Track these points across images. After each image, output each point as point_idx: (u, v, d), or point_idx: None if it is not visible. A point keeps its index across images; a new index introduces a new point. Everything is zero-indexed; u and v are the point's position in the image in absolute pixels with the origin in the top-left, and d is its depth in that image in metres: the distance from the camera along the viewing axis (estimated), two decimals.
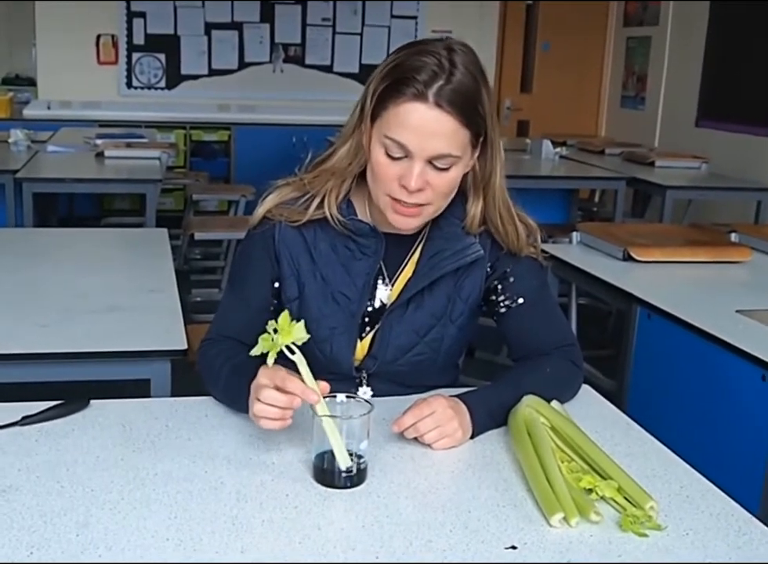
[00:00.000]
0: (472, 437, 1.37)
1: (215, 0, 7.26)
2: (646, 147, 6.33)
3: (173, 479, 1.21)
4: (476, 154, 1.44)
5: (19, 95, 7.34)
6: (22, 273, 2.34)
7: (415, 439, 1.33)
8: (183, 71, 7.39)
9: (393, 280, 1.55)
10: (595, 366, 2.86)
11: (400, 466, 1.28)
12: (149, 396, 1.75)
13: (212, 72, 7.44)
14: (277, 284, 1.55)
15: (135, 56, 7.29)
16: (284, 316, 1.22)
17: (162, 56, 7.34)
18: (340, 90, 7.16)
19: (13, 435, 1.33)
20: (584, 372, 1.59)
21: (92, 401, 1.45)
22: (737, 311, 2.22)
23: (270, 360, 1.21)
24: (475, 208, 1.50)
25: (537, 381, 1.47)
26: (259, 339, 1.21)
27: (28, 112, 6.86)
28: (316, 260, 1.52)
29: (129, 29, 7.22)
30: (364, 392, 1.55)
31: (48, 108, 6.90)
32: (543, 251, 1.60)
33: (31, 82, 7.52)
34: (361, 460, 1.22)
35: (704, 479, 1.28)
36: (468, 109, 1.36)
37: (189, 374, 1.78)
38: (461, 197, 1.50)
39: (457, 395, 1.39)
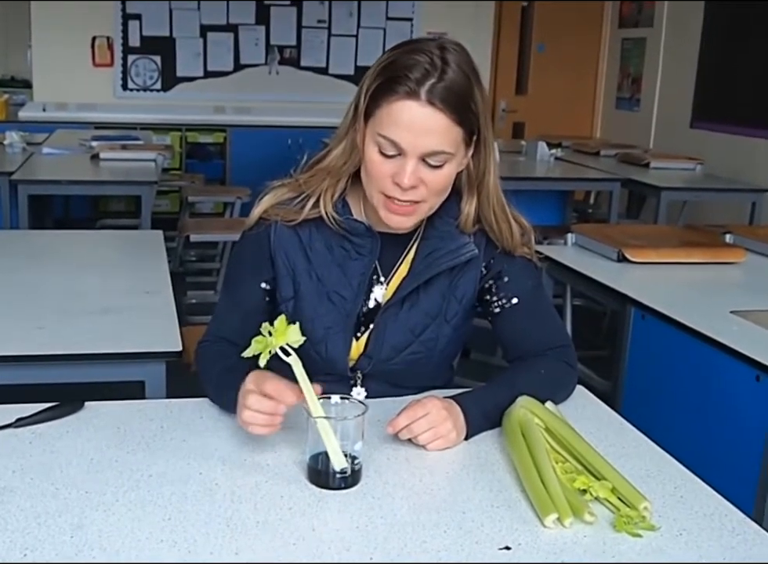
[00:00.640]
0: (466, 438, 1.37)
1: (211, 1, 7.26)
2: (641, 149, 6.34)
3: (168, 481, 1.21)
4: (470, 153, 1.45)
5: (15, 97, 7.34)
6: (17, 275, 2.34)
7: (410, 440, 1.33)
8: (179, 73, 7.39)
9: (387, 279, 1.55)
10: (590, 367, 2.86)
11: (394, 467, 1.28)
12: (144, 398, 1.75)
13: (208, 74, 7.44)
14: (267, 286, 1.55)
15: (130, 57, 7.28)
16: (281, 318, 1.23)
17: (158, 58, 7.33)
18: (335, 92, 7.15)
19: (7, 437, 1.33)
20: (578, 373, 1.60)
21: (86, 403, 1.44)
22: (731, 312, 2.23)
23: (262, 362, 1.22)
24: (469, 207, 1.51)
25: (532, 381, 1.47)
26: (252, 341, 1.22)
27: (23, 114, 6.86)
28: (311, 260, 1.52)
29: (125, 31, 7.22)
30: (358, 392, 1.55)
31: (44, 110, 6.90)
32: (538, 252, 1.60)
33: (27, 84, 7.51)
34: (356, 462, 1.22)
35: (697, 480, 1.28)
36: (460, 106, 1.36)
37: (184, 376, 1.79)
38: (455, 195, 1.51)
39: (451, 397, 1.39)
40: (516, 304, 1.55)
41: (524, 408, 1.35)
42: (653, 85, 6.98)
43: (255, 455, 1.30)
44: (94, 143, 5.08)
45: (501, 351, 1.66)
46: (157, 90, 7.38)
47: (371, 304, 1.54)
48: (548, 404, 1.39)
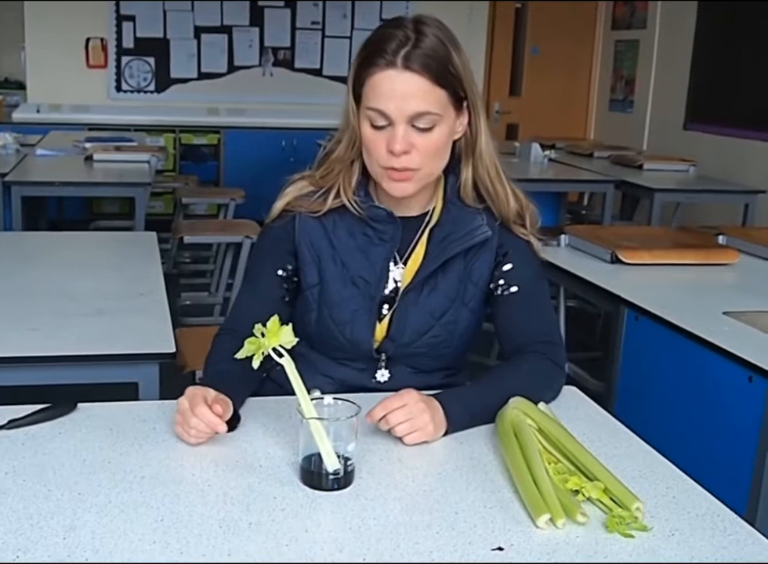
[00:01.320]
0: (446, 434, 1.38)
1: (205, 2, 7.26)
2: (635, 150, 6.36)
3: (160, 482, 1.21)
4: (465, 119, 1.51)
5: (9, 98, 7.34)
6: (11, 277, 2.34)
7: (400, 439, 1.33)
8: (173, 75, 7.39)
9: (404, 259, 1.59)
10: (584, 368, 2.87)
11: (387, 468, 1.28)
12: (137, 400, 1.75)
13: (202, 75, 7.44)
14: (284, 273, 1.60)
15: (124, 59, 7.28)
16: (274, 319, 1.23)
17: (151, 60, 7.33)
18: (329, 93, 7.15)
19: (0, 438, 1.33)
20: (566, 372, 1.61)
21: (79, 404, 1.44)
22: (724, 313, 2.23)
23: (256, 363, 1.22)
24: (466, 171, 1.56)
25: (516, 379, 1.49)
26: (245, 342, 1.22)
27: (17, 115, 6.85)
28: (336, 246, 1.57)
29: (119, 32, 7.22)
30: (382, 374, 1.60)
31: (38, 111, 6.90)
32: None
33: (20, 85, 7.50)
34: (349, 463, 1.22)
35: (689, 480, 1.28)
36: (438, 68, 1.42)
37: (177, 378, 1.78)
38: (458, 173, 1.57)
39: (432, 394, 1.40)
40: (514, 293, 1.58)
41: (517, 409, 1.35)
42: (646, 87, 7.00)
43: (248, 456, 1.30)
44: (88, 145, 5.07)
45: (497, 351, 1.68)
46: (151, 91, 7.38)
47: (390, 285, 1.59)
48: (541, 405, 1.40)
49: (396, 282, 1.59)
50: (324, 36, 7.55)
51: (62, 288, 2.22)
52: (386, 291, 1.58)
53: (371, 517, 1.13)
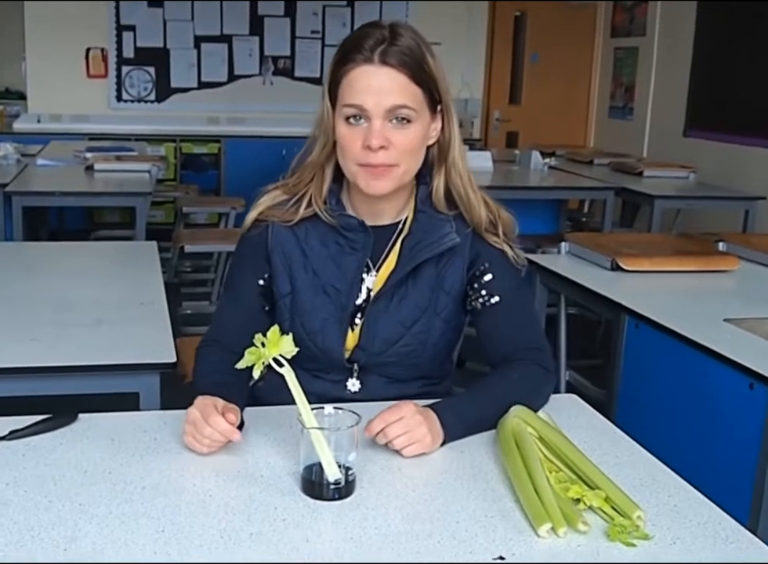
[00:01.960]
0: (443, 444, 1.38)
1: (205, 11, 7.27)
2: (635, 157, 6.36)
3: (161, 493, 1.21)
4: (438, 124, 1.53)
5: (9, 108, 7.35)
6: (11, 287, 2.34)
7: (398, 451, 1.33)
8: (173, 84, 7.41)
9: (377, 267, 1.59)
10: (584, 376, 2.87)
11: (388, 477, 1.28)
12: (138, 410, 1.75)
13: (202, 85, 7.45)
14: (264, 283, 1.60)
15: (124, 69, 7.30)
16: (274, 329, 1.24)
17: (152, 69, 7.35)
18: None
19: (0, 449, 1.32)
20: (555, 376, 1.61)
21: (80, 415, 1.44)
22: (724, 320, 2.23)
23: (256, 373, 1.22)
24: (439, 179, 1.57)
25: (504, 386, 1.49)
26: (246, 352, 1.22)
27: (18, 125, 6.87)
28: (307, 254, 1.57)
29: (119, 42, 7.23)
30: (353, 384, 1.59)
31: (38, 121, 6.91)
32: (530, 261, 1.62)
33: (21, 96, 7.52)
34: (350, 472, 1.22)
35: (691, 488, 1.28)
36: (414, 66, 1.45)
37: (178, 388, 1.78)
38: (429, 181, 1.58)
39: (426, 405, 1.40)
40: (496, 303, 1.58)
41: (518, 417, 1.35)
42: (646, 94, 7.00)
43: (249, 467, 1.30)
44: (88, 154, 5.08)
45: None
46: (152, 101, 7.40)
47: (363, 293, 1.59)
48: (541, 413, 1.40)
49: (369, 291, 1.59)
50: (323, 45, 7.56)
51: (62, 298, 2.22)
52: (359, 301, 1.58)
53: (372, 527, 1.13)
